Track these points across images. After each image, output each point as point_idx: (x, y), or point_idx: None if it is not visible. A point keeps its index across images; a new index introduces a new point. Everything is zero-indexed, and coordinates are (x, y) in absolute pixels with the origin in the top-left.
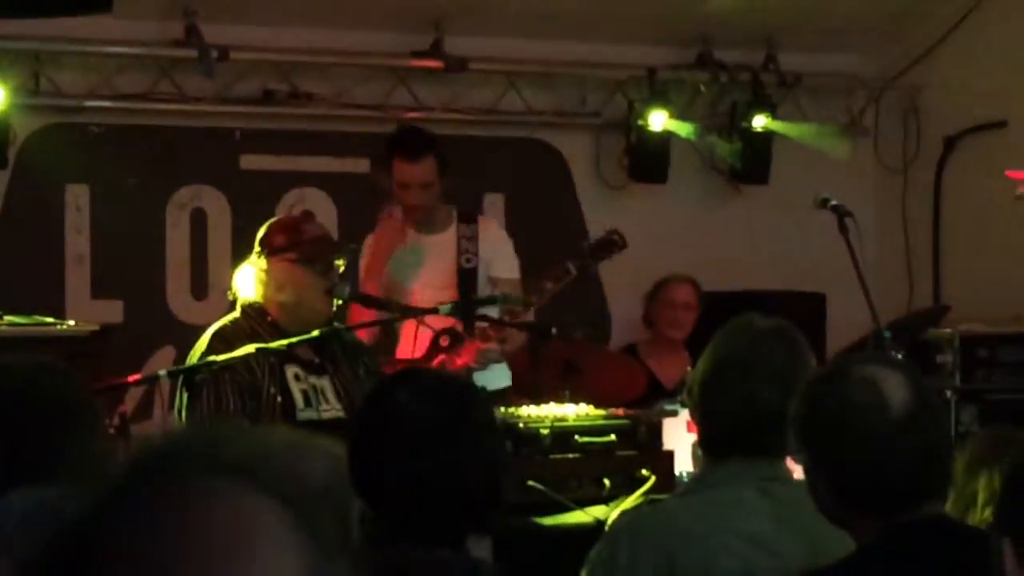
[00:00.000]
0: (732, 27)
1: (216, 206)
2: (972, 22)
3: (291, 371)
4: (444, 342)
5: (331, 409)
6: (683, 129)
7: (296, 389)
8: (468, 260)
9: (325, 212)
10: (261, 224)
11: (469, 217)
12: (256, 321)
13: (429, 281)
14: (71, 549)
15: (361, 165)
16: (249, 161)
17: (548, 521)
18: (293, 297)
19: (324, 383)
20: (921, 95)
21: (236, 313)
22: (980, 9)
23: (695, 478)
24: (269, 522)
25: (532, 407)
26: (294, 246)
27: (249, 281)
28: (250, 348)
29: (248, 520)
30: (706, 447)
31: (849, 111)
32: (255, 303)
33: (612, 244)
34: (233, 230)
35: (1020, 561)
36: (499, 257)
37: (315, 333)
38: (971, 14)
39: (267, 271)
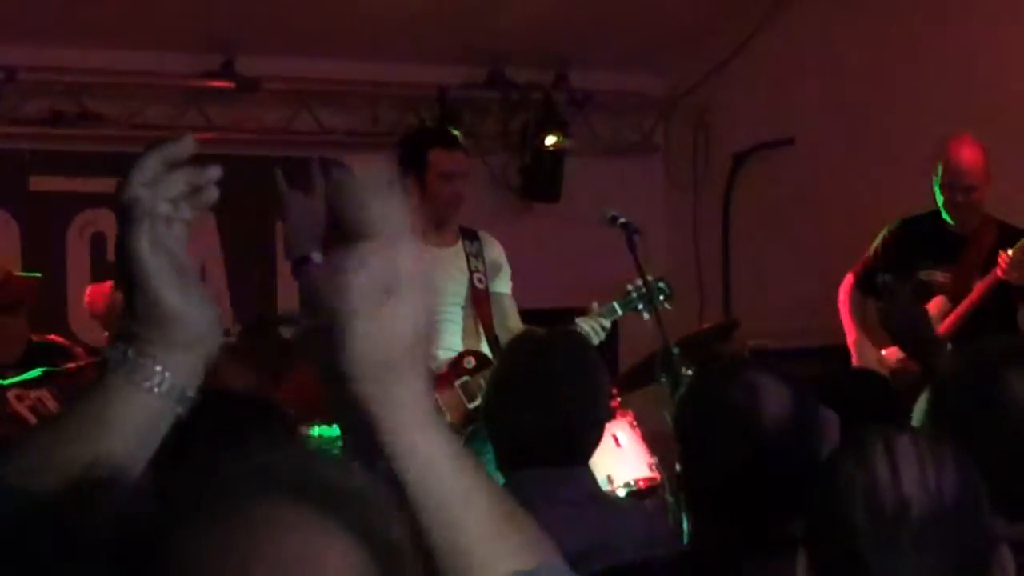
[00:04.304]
0: (523, 46)
1: (5, 228)
2: (758, 41)
3: (12, 394)
4: (471, 362)
5: None
6: None
7: (24, 409)
8: (480, 280)
9: None
10: (51, 246)
11: (471, 234)
12: None
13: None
14: (136, 552)
15: None
16: (39, 183)
17: None
18: None
19: (42, 393)
20: (709, 113)
21: None
22: (766, 29)
23: None
24: (339, 563)
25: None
26: None
27: None
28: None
29: (316, 556)
30: (507, 462)
31: (640, 129)
32: None
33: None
34: (23, 252)
35: (813, 572)
36: (502, 272)
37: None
38: (757, 33)
39: None
